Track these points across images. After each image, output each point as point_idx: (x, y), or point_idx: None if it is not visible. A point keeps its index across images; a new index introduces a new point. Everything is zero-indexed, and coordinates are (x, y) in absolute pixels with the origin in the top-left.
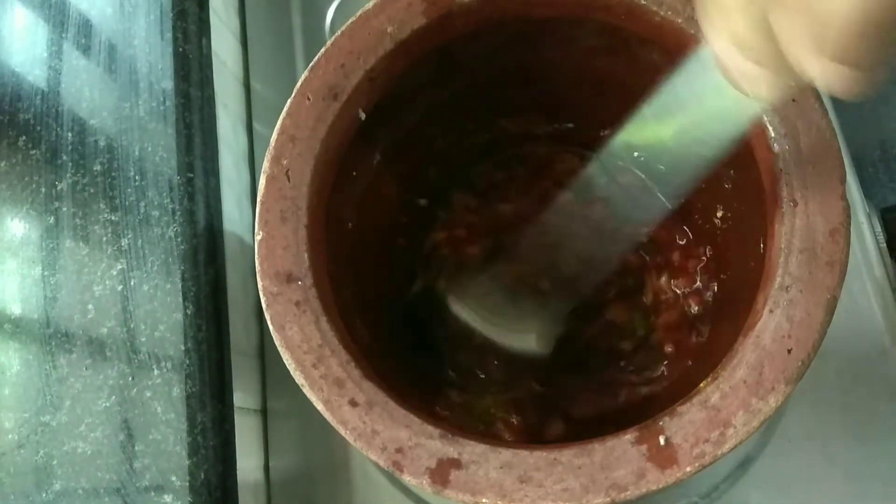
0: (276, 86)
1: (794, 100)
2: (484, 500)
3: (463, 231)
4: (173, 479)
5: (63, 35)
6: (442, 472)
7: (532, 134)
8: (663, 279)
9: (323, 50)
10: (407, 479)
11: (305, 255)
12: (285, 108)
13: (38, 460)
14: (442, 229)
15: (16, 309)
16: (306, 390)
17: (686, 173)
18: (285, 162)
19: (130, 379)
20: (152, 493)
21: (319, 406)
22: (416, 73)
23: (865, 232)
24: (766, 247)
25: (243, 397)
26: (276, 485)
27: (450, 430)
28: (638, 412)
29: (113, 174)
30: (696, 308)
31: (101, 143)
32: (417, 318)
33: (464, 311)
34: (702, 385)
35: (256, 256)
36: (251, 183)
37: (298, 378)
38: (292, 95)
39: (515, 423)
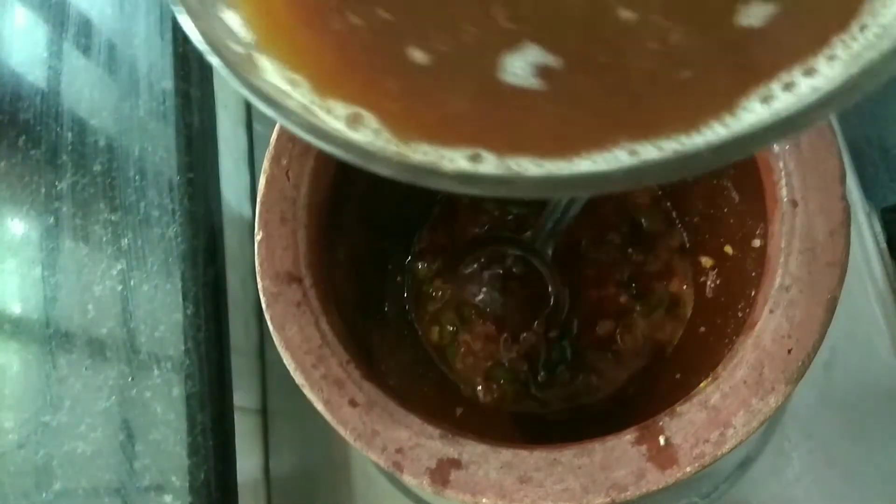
0: None
1: None
2: (484, 501)
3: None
4: (173, 479)
5: (63, 35)
6: (442, 473)
7: None
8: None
9: None
10: (407, 479)
11: (305, 255)
12: None
13: (38, 460)
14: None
15: (16, 309)
16: (306, 390)
17: None
18: (285, 162)
19: (130, 379)
20: (152, 493)
21: (319, 406)
22: None
23: (865, 232)
24: (766, 247)
25: (243, 397)
26: (276, 485)
27: (450, 430)
28: None
29: (113, 174)
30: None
31: (101, 143)
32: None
33: None
34: (702, 385)
35: (256, 257)
36: (251, 183)
37: (298, 378)
38: None
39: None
